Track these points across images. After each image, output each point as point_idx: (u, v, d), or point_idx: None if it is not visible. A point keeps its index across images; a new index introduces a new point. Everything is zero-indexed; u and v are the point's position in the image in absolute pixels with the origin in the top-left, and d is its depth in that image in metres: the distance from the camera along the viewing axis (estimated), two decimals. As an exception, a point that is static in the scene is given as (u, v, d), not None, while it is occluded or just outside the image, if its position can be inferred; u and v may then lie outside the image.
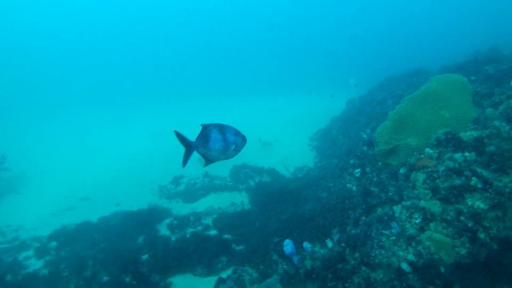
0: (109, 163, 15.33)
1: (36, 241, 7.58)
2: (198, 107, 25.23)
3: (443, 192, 3.80)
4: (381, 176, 4.67)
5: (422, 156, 4.19)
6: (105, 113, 26.00)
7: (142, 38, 40.43)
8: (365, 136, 7.01)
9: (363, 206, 4.74)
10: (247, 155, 11.89)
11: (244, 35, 39.88)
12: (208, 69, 35.66)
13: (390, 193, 4.35)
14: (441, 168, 3.97)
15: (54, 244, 7.08)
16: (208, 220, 8.40)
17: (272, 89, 27.03)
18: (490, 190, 3.59)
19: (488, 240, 3.58)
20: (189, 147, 2.29)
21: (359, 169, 5.48)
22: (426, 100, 4.70)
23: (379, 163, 5.08)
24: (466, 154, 4.00)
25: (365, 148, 5.70)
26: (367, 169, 5.31)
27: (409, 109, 4.74)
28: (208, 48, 39.10)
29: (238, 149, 2.44)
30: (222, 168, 11.42)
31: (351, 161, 5.70)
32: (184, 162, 2.31)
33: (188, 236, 6.80)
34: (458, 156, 3.99)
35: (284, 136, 15.22)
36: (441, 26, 30.57)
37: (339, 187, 5.98)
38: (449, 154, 4.08)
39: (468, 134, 4.18)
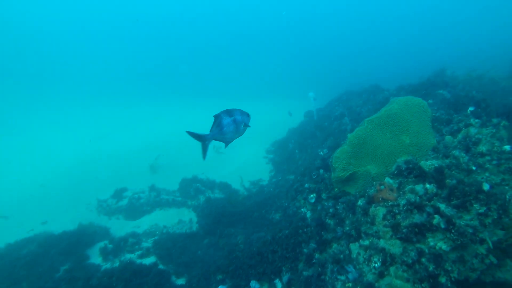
0: (39, 170, 13.25)
1: None
2: (149, 110, 23.24)
3: (404, 230, 3.40)
4: (338, 207, 4.20)
5: (382, 187, 3.78)
6: (37, 110, 22.65)
7: (86, 33, 36.07)
8: (322, 153, 6.63)
9: (317, 238, 4.23)
10: (201, 164, 10.98)
11: (205, 36, 38.55)
12: (162, 69, 33.35)
13: (347, 228, 3.88)
14: (402, 202, 3.58)
15: None
16: (149, 243, 7.37)
17: (232, 93, 26.30)
18: (453, 231, 3.26)
19: (449, 285, 3.25)
20: (203, 141, 2.49)
21: (314, 194, 5.00)
22: (387, 124, 4.36)
23: (336, 189, 4.64)
24: (428, 186, 3.68)
25: (321, 171, 5.25)
26: (323, 195, 4.85)
27: (368, 132, 4.35)
28: (161, 46, 36.69)
29: (247, 125, 2.76)
30: (171, 182, 10.39)
31: (306, 185, 5.20)
32: (204, 155, 2.49)
33: (119, 267, 5.75)
34: (419, 188, 3.64)
35: (240, 144, 14.54)
36: (398, 44, 32.26)
37: (293, 210, 5.46)
38: (410, 186, 3.73)
39: (429, 164, 3.87)
